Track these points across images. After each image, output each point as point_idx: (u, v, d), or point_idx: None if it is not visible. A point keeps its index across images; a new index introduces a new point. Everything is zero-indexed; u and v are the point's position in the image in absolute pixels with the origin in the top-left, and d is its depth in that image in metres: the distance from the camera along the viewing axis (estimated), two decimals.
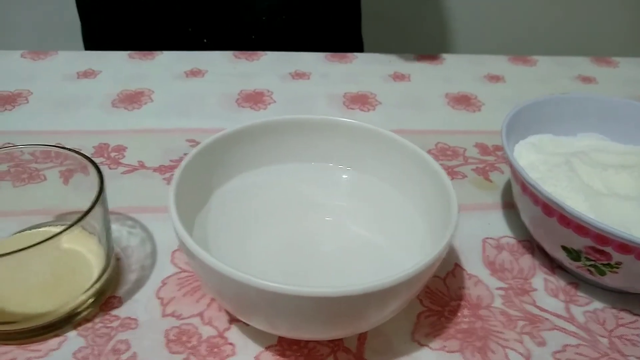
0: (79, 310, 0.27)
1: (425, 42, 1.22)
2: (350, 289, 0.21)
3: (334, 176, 0.32)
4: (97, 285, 0.28)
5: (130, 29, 0.63)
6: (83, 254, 0.28)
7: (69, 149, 0.29)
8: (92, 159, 0.28)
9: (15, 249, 0.23)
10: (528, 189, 0.30)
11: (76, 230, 0.25)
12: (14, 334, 0.26)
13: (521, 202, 0.32)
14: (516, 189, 0.33)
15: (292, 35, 0.65)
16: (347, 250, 0.29)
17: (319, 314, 0.22)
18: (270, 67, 0.55)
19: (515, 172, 0.31)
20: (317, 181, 0.32)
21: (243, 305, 0.23)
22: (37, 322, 0.26)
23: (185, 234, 0.23)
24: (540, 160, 0.34)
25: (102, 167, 0.29)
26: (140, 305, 0.28)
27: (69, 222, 0.31)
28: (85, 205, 0.29)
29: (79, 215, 0.28)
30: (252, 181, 0.31)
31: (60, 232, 0.24)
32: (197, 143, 0.42)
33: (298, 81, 0.52)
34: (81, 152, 0.29)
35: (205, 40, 0.64)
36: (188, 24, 0.62)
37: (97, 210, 0.26)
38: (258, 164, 0.31)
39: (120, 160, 0.39)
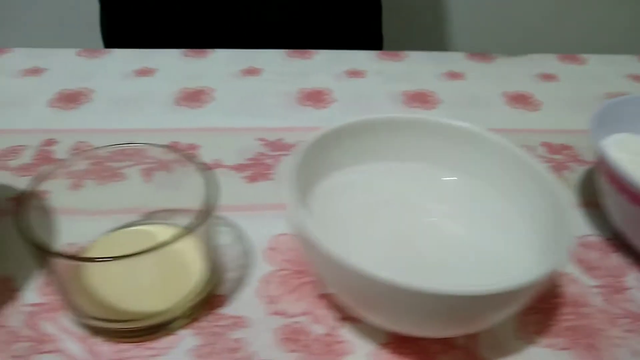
0: (188, 308, 0.27)
1: (446, 38, 1.22)
2: (487, 289, 0.21)
3: (432, 177, 0.32)
4: (204, 285, 0.28)
5: (151, 25, 0.64)
6: (188, 253, 0.28)
7: (180, 151, 0.29)
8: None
9: (125, 249, 0.22)
10: (626, 187, 0.30)
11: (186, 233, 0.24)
12: (129, 332, 0.26)
13: (612, 200, 0.32)
14: (605, 187, 0.33)
15: (313, 31, 0.65)
16: (448, 252, 0.29)
17: (448, 312, 0.22)
18: (324, 66, 0.55)
19: (609, 169, 0.31)
20: (414, 181, 0.32)
21: (368, 301, 0.23)
22: (150, 321, 0.26)
23: (313, 230, 0.23)
24: (626, 160, 0.34)
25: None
26: (246, 304, 0.28)
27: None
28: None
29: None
30: (348, 179, 0.31)
31: (176, 237, 0.23)
32: (269, 142, 0.42)
33: (354, 79, 0.52)
34: (189, 153, 0.29)
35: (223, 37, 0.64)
36: (207, 22, 0.63)
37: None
38: (354, 161, 0.31)
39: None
